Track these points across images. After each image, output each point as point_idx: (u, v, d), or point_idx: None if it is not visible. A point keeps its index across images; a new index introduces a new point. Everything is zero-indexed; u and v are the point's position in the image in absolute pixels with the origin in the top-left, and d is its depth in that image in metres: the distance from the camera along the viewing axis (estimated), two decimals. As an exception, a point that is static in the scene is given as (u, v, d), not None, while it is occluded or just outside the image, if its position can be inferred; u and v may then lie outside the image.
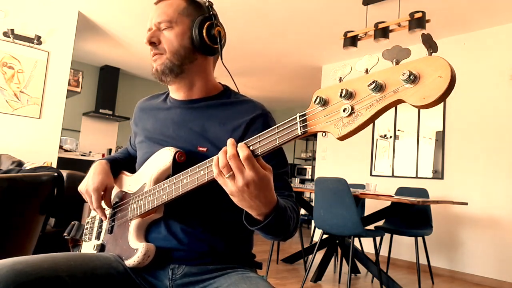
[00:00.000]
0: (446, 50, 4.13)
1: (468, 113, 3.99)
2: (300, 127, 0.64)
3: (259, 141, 0.69)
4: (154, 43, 0.94)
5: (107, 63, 6.46)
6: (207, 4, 0.96)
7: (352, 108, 0.58)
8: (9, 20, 3.89)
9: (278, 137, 0.66)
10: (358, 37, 3.66)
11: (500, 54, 3.87)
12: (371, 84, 0.56)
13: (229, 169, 0.69)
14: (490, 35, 3.97)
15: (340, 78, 0.63)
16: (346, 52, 4.59)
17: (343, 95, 0.59)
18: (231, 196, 0.71)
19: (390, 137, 4.68)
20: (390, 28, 3.44)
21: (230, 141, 0.71)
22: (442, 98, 0.51)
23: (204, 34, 0.93)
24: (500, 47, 3.88)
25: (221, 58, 0.98)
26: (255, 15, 4.12)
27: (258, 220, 0.75)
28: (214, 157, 0.72)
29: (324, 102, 0.62)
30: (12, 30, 3.85)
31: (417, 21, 3.20)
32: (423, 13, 3.20)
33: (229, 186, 0.70)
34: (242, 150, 0.68)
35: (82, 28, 4.72)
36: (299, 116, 0.65)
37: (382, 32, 3.41)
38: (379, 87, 0.56)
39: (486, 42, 3.99)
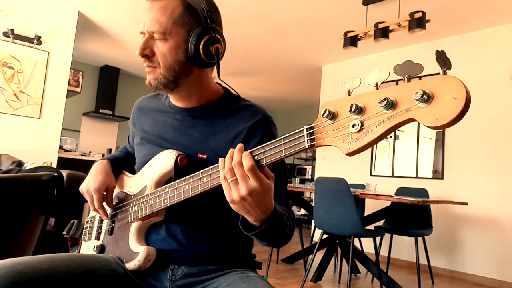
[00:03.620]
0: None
1: (468, 113, 3.95)
2: (308, 140, 0.63)
3: (264, 151, 0.68)
4: (147, 55, 0.88)
5: (107, 63, 6.46)
6: (205, 13, 0.87)
7: (362, 124, 0.57)
8: (9, 20, 3.89)
9: (284, 149, 0.65)
10: (358, 37, 3.66)
11: (500, 54, 3.86)
12: (382, 101, 0.55)
13: (233, 174, 0.68)
14: (490, 35, 3.97)
15: (349, 90, 0.61)
16: (346, 52, 4.60)
17: (352, 110, 0.58)
18: (230, 204, 0.71)
19: (390, 137, 4.68)
20: (390, 28, 3.44)
21: (238, 146, 0.70)
22: (457, 120, 0.50)
23: (201, 50, 0.86)
24: (500, 47, 3.88)
25: (218, 75, 0.93)
26: (255, 15, 4.12)
27: (254, 226, 0.75)
28: (220, 160, 0.72)
29: (332, 116, 0.61)
30: (12, 30, 3.85)
31: (417, 21, 3.20)
32: (423, 13, 3.20)
33: (231, 193, 0.69)
34: (246, 161, 0.67)
35: (82, 28, 4.72)
36: (307, 128, 0.63)
37: (382, 32, 3.41)
38: (390, 104, 0.54)
39: (486, 42, 3.98)
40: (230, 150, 0.71)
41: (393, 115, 0.54)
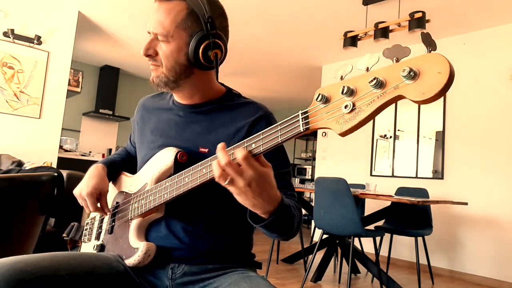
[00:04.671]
0: (446, 50, 4.13)
1: (468, 113, 3.99)
2: (302, 123, 0.64)
3: (262, 138, 0.69)
4: (151, 55, 0.91)
5: (107, 63, 6.46)
6: (206, 20, 0.89)
7: (354, 105, 0.59)
8: (9, 20, 3.89)
9: (280, 134, 0.67)
10: (358, 37, 3.66)
11: (500, 54, 3.87)
12: (372, 80, 0.57)
13: (226, 177, 0.69)
14: (490, 35, 3.97)
15: (342, 76, 0.64)
16: (346, 52, 4.59)
17: (344, 92, 0.60)
18: (235, 196, 0.72)
19: (390, 137, 4.68)
20: (390, 28, 3.44)
21: (220, 147, 0.70)
22: (441, 93, 0.52)
23: (200, 55, 0.89)
24: (500, 47, 3.88)
25: (217, 79, 0.96)
26: (255, 15, 4.12)
27: (263, 218, 0.75)
28: (214, 162, 0.72)
29: (326, 99, 0.63)
30: (12, 30, 3.85)
31: (417, 21, 3.20)
32: (423, 13, 3.20)
33: (231, 189, 0.71)
34: (240, 152, 0.68)
35: (82, 28, 4.72)
36: (301, 113, 0.65)
37: (382, 32, 3.41)
38: (380, 84, 0.57)
39: (486, 42, 3.99)
40: (216, 159, 0.71)
41: (382, 93, 0.57)
